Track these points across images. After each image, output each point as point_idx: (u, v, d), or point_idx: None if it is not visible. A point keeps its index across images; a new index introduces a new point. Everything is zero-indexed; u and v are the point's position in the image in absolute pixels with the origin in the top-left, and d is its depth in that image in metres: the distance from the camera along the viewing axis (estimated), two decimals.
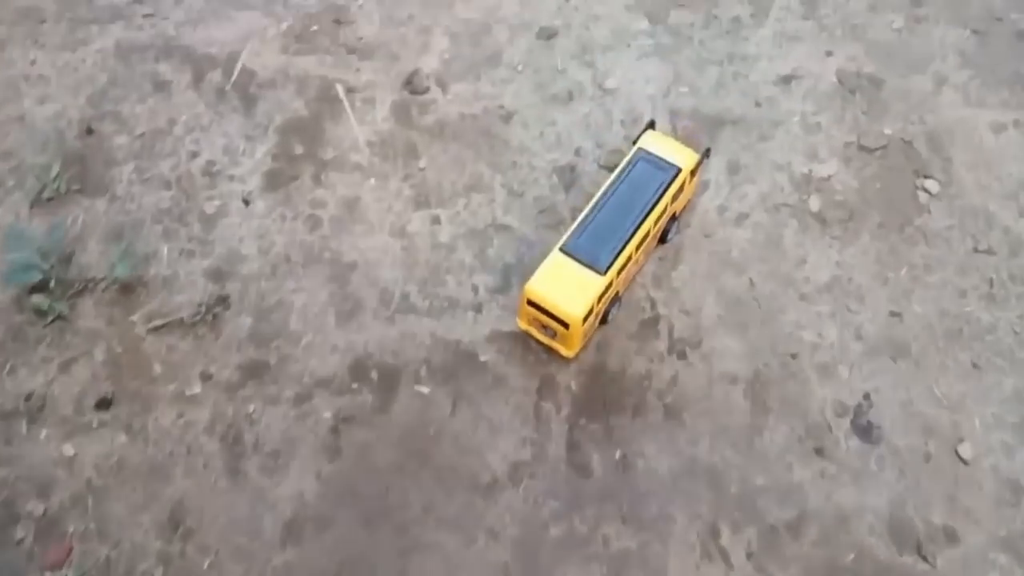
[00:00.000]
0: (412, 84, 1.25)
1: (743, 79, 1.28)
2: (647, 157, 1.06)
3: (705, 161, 1.11)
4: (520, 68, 1.27)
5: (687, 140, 1.21)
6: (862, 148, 1.20)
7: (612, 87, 1.26)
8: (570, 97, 1.25)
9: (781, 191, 1.16)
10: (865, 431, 0.99)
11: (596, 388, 1.01)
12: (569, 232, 1.00)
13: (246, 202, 1.12)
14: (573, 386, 1.01)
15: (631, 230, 1.00)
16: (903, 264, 1.10)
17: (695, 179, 1.10)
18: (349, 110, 1.22)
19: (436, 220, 1.13)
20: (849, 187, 1.17)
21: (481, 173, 1.17)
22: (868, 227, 1.13)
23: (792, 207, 1.15)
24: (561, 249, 0.99)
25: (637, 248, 1.02)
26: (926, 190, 1.17)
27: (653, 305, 1.07)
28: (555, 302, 0.96)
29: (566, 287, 0.96)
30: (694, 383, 1.02)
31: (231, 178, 1.15)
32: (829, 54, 1.29)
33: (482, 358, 1.02)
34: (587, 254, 0.98)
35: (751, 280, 1.09)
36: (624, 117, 1.23)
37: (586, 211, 1.02)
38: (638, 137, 1.09)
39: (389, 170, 1.17)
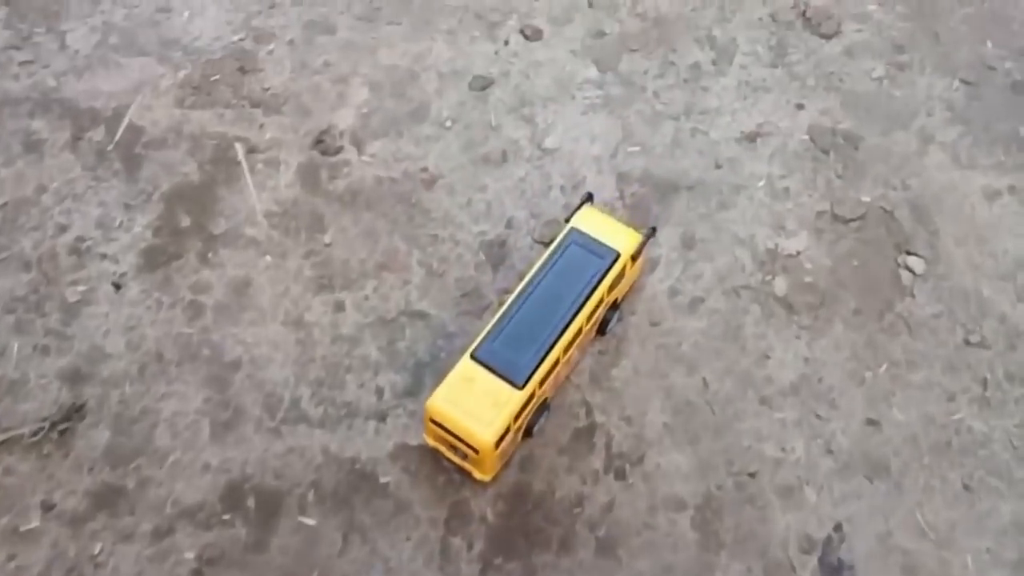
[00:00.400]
0: (323, 143, 1.09)
1: (702, 136, 1.12)
2: (580, 240, 0.90)
3: (653, 239, 0.96)
4: (448, 124, 1.12)
5: (636, 208, 1.06)
6: (836, 218, 1.05)
7: (552, 147, 1.11)
8: (504, 158, 1.10)
9: (742, 270, 1.01)
10: (835, 571, 0.83)
11: (517, 517, 0.85)
12: (483, 334, 0.85)
13: (116, 287, 0.96)
14: (489, 515, 0.85)
15: (558, 331, 0.84)
16: (882, 360, 0.95)
17: (639, 261, 0.95)
18: (247, 174, 1.06)
19: (339, 306, 0.97)
20: (820, 265, 1.01)
21: (396, 248, 1.02)
22: (842, 314, 0.98)
23: (754, 290, 1.00)
24: (472, 356, 0.83)
25: (566, 350, 0.86)
26: (909, 269, 1.01)
27: (589, 411, 0.91)
28: (462, 423, 0.80)
29: (476, 404, 0.80)
30: (633, 509, 0.86)
31: (102, 257, 0.99)
32: (800, 107, 1.14)
33: (383, 479, 0.86)
34: (503, 362, 0.82)
35: (704, 380, 0.93)
36: (564, 182, 1.08)
37: (504, 307, 0.87)
38: (571, 214, 0.94)
39: (289, 246, 1.01)
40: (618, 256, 0.89)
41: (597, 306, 0.89)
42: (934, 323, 0.97)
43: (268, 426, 0.89)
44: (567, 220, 0.93)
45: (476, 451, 0.81)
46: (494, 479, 0.86)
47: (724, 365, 0.94)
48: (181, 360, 0.92)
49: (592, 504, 0.86)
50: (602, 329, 0.94)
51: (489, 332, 0.84)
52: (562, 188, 1.07)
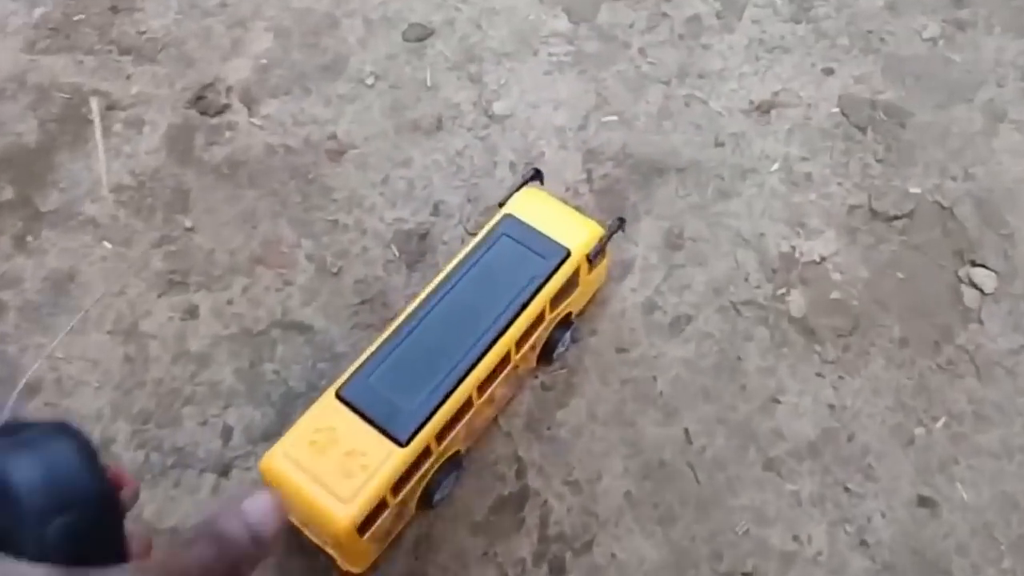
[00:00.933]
0: (204, 100, 0.84)
1: (699, 105, 0.86)
2: (517, 232, 0.64)
3: (619, 234, 0.69)
4: (371, 81, 0.87)
5: (606, 194, 0.80)
6: (875, 215, 0.78)
7: (503, 112, 0.85)
8: (438, 126, 0.84)
9: (746, 281, 0.74)
10: None
11: None
12: (357, 364, 0.59)
13: None
14: None
15: (470, 361, 0.58)
16: (939, 412, 0.67)
17: (602, 263, 0.69)
18: (99, 136, 0.81)
19: (192, 312, 0.72)
20: (854, 278, 0.74)
21: (280, 237, 0.76)
22: (882, 345, 0.70)
23: (761, 308, 0.73)
24: (337, 394, 0.58)
25: (483, 388, 0.60)
26: (975, 285, 0.74)
27: (520, 471, 0.65)
28: (310, 496, 0.53)
29: (334, 466, 0.54)
30: None
31: None
32: (829, 72, 0.88)
33: None
34: (380, 407, 0.56)
35: (687, 432, 0.66)
36: (515, 158, 0.82)
37: (394, 325, 0.61)
38: (508, 196, 0.68)
39: (138, 229, 0.76)
40: (568, 255, 0.63)
41: (536, 324, 0.62)
42: (1011, 361, 0.70)
43: None
44: (501, 204, 0.67)
45: (331, 539, 0.55)
46: (374, 567, 0.60)
47: (715, 411, 0.67)
48: None
49: None
50: (547, 354, 0.67)
51: (366, 361, 0.59)
52: (511, 165, 0.81)
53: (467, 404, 0.59)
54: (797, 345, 0.71)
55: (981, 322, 0.72)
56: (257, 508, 0.31)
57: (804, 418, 0.67)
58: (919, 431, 0.66)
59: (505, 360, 0.61)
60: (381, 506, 0.54)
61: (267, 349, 0.70)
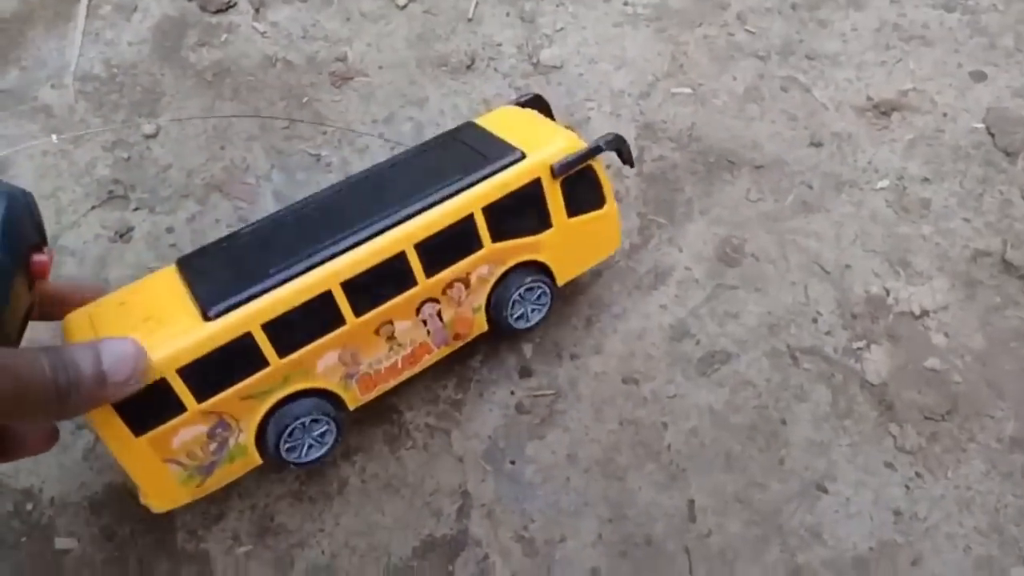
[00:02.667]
0: None
1: (800, 93, 0.68)
2: (471, 136, 0.49)
3: (659, 221, 0.52)
4: (403, 2, 0.72)
5: (657, 181, 0.63)
6: (1008, 268, 0.59)
7: (551, 62, 0.69)
8: (469, 65, 0.69)
9: (813, 322, 0.56)
10: None
11: None
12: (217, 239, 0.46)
13: None
14: None
15: (328, 253, 0.42)
16: None
17: (605, 210, 0.51)
18: (83, 14, 0.70)
19: (124, 233, 0.59)
20: (963, 345, 0.55)
21: (249, 165, 0.63)
22: (985, 443, 0.52)
23: (829, 361, 0.55)
24: (177, 261, 0.45)
25: (360, 302, 0.44)
26: None
27: (464, 510, 0.49)
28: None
29: (129, 329, 0.40)
30: None
31: None
32: (979, 77, 0.68)
33: None
34: (207, 280, 0.42)
35: (691, 505, 0.50)
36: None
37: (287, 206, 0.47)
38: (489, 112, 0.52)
39: (93, 127, 0.64)
40: (520, 158, 0.46)
41: (467, 241, 0.46)
42: None
43: None
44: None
45: (88, 419, 0.40)
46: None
47: (737, 486, 0.50)
48: None
49: None
50: (503, 320, 0.50)
51: (234, 233, 0.46)
52: None
53: (331, 311, 0.43)
54: (867, 420, 0.53)
55: None
56: (114, 351, 0.36)
57: (856, 520, 0.49)
58: (1019, 573, 0.48)
59: (402, 273, 0.44)
60: (171, 400, 0.40)
61: None
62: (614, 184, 0.62)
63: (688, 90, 0.68)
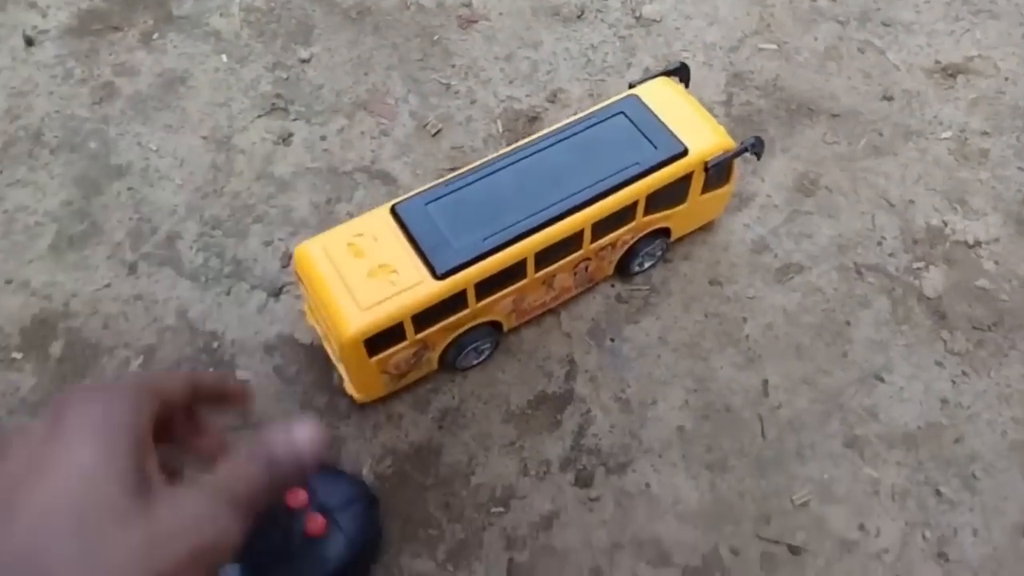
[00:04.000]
0: None
1: (875, 54, 0.76)
2: (637, 114, 0.58)
3: (748, 157, 0.61)
4: None
5: (743, 123, 0.72)
6: None
7: (652, 16, 0.78)
8: (580, 15, 0.78)
9: (879, 245, 0.65)
10: None
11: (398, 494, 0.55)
12: (423, 188, 0.55)
13: (28, 41, 0.74)
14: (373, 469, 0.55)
15: (531, 224, 0.52)
16: None
17: (723, 189, 0.62)
18: None
19: (286, 138, 0.70)
20: (1011, 272, 0.63)
21: (389, 88, 0.73)
22: None
23: (890, 276, 0.63)
24: (392, 209, 0.53)
25: (549, 262, 0.54)
26: None
27: (571, 374, 0.59)
28: (329, 293, 0.50)
29: (363, 274, 0.50)
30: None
31: (30, 4, 0.77)
32: None
33: (238, 376, 0.58)
34: (429, 234, 0.52)
35: (766, 384, 0.58)
36: (653, 64, 0.75)
37: (475, 165, 0.56)
38: (642, 80, 0.61)
39: (256, 51, 0.75)
40: (683, 153, 0.56)
41: (623, 218, 0.56)
42: None
43: (125, 258, 0.63)
44: (632, 86, 0.61)
45: (337, 345, 0.51)
46: (380, 403, 0.56)
47: (805, 371, 0.59)
48: (60, 146, 0.69)
49: (521, 512, 0.54)
50: (627, 265, 0.61)
51: (431, 188, 0.54)
52: (646, 70, 0.74)
53: (519, 270, 0.53)
54: (922, 327, 0.61)
55: None
56: (305, 435, 0.32)
57: (908, 404, 0.57)
58: None
59: (575, 242, 0.55)
60: (398, 334, 0.50)
61: (347, 190, 0.67)
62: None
63: (774, 46, 0.77)
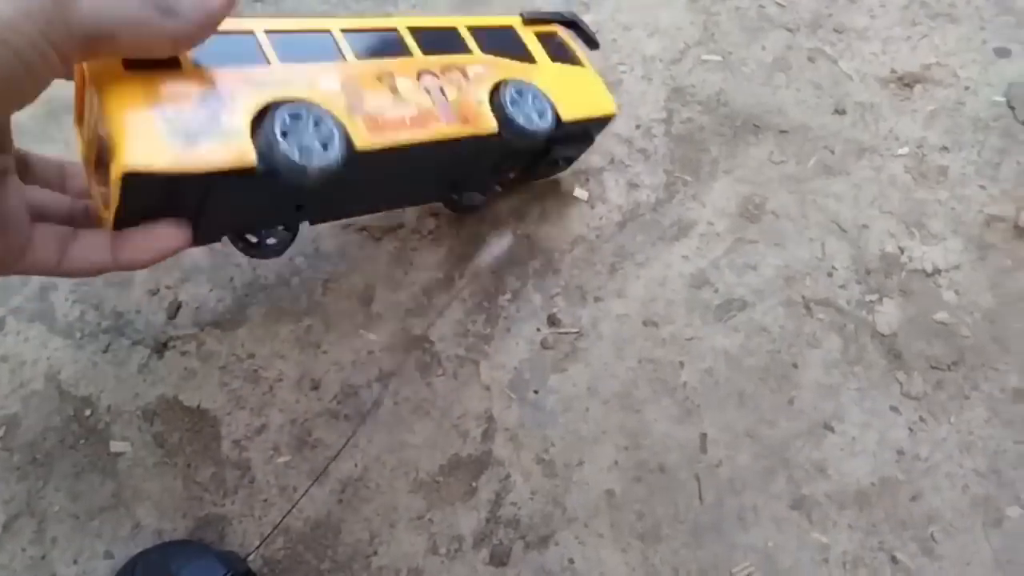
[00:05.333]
0: None
1: (827, 64, 0.70)
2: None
3: (687, 181, 0.55)
4: None
5: (684, 142, 0.66)
6: (1020, 235, 0.61)
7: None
8: None
9: (828, 276, 0.59)
10: None
11: None
12: None
13: None
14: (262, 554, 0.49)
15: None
16: None
17: (586, 73, 0.58)
18: None
19: None
20: (973, 303, 0.58)
21: None
22: (988, 392, 0.54)
23: (842, 312, 0.57)
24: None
25: (378, 55, 0.48)
26: None
27: (488, 433, 0.53)
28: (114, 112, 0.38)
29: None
30: None
31: None
32: (1003, 54, 0.70)
33: (114, 447, 0.52)
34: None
35: (703, 438, 0.53)
36: None
37: None
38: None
39: None
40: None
41: (456, 43, 0.52)
42: None
43: None
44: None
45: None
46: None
47: (747, 422, 0.53)
48: None
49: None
50: (505, 120, 0.50)
51: None
52: None
53: (334, 50, 0.46)
54: (875, 368, 0.55)
55: None
56: None
57: (860, 457, 0.52)
58: (1013, 512, 0.50)
59: (401, 47, 0.49)
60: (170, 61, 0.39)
61: None
62: (643, 142, 0.65)
63: (718, 58, 0.71)
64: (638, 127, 0.66)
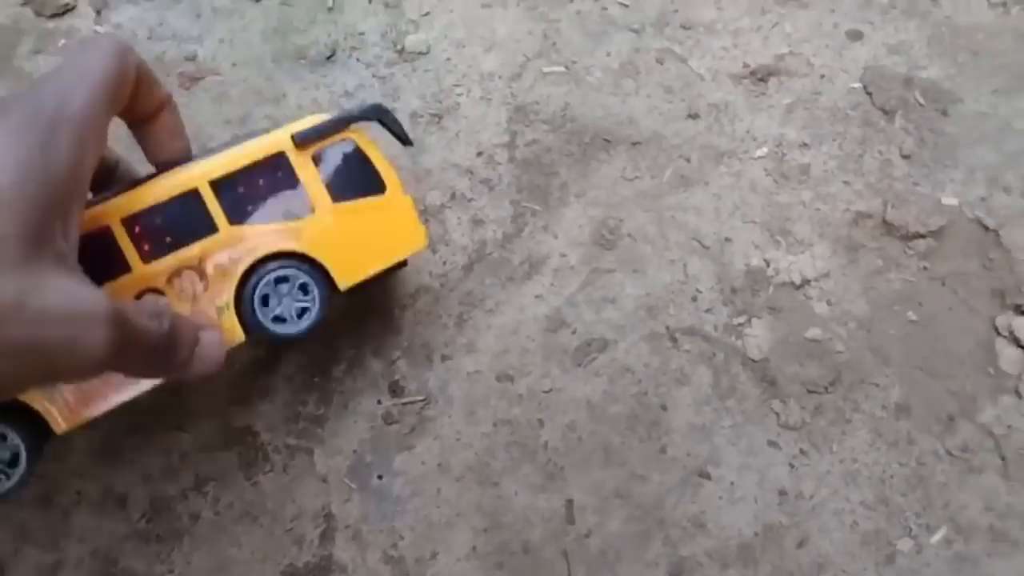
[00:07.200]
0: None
1: (676, 64, 0.66)
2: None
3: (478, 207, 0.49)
4: None
5: (531, 166, 0.60)
6: (890, 230, 0.57)
7: (417, 48, 0.66)
8: (330, 57, 0.65)
9: (693, 301, 0.54)
10: None
11: None
12: None
13: None
14: None
15: None
16: (939, 518, 0.47)
17: (385, 198, 0.44)
18: None
19: None
20: (846, 313, 0.54)
21: None
22: (870, 413, 0.50)
23: (709, 341, 0.53)
24: None
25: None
26: (1018, 342, 0.53)
27: (327, 535, 0.46)
28: None
29: None
30: None
31: None
32: (855, 36, 0.67)
33: None
34: None
35: (570, 506, 0.47)
36: (420, 106, 0.63)
37: None
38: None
39: None
40: (264, 132, 0.43)
41: (193, 219, 0.39)
42: None
43: None
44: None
45: None
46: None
47: (617, 481, 0.48)
48: None
49: None
50: (252, 323, 0.41)
51: None
52: (412, 116, 0.62)
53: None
54: (749, 399, 0.50)
55: (1019, 395, 0.51)
56: (211, 342, 0.36)
57: (740, 505, 0.47)
58: (904, 545, 0.46)
59: (117, 258, 0.38)
60: None
61: None
62: (486, 172, 0.59)
63: (561, 69, 0.66)
64: (480, 154, 0.60)
